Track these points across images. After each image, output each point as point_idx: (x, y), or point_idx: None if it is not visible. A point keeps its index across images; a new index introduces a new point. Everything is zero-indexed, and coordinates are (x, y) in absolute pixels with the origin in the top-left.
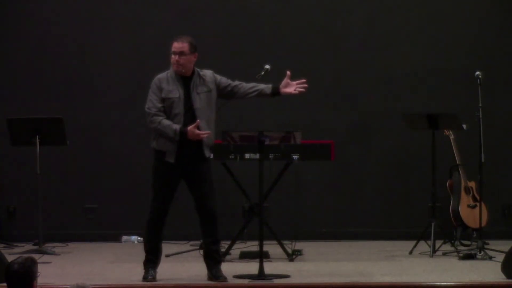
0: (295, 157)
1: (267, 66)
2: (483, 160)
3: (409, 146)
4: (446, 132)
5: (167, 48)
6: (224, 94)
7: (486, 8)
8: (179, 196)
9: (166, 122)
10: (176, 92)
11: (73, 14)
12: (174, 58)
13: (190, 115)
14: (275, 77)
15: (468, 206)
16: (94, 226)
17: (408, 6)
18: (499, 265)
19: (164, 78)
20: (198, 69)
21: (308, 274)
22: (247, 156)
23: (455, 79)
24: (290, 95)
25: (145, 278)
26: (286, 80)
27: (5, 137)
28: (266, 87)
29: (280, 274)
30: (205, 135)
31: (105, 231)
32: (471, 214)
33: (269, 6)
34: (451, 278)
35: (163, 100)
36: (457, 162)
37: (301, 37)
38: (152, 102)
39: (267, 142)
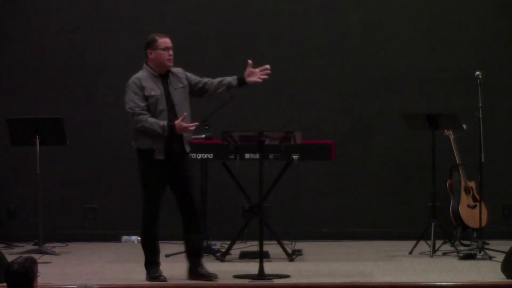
0: (295, 157)
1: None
2: (483, 160)
3: (409, 146)
4: (446, 132)
5: None
6: (195, 91)
7: (486, 8)
8: None
9: (152, 119)
10: (157, 90)
11: (73, 14)
12: (168, 53)
13: (172, 111)
14: (275, 77)
15: (468, 206)
16: (94, 226)
17: (408, 6)
18: (499, 265)
19: (143, 77)
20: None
21: (308, 274)
22: (247, 156)
23: (455, 79)
24: (255, 83)
25: (157, 278)
26: (248, 69)
27: (5, 137)
28: (232, 79)
29: (280, 274)
30: (193, 127)
31: (105, 231)
32: (471, 214)
33: (269, 6)
34: (451, 278)
35: (146, 98)
36: (457, 162)
37: (301, 37)
38: (134, 102)
39: (267, 142)
